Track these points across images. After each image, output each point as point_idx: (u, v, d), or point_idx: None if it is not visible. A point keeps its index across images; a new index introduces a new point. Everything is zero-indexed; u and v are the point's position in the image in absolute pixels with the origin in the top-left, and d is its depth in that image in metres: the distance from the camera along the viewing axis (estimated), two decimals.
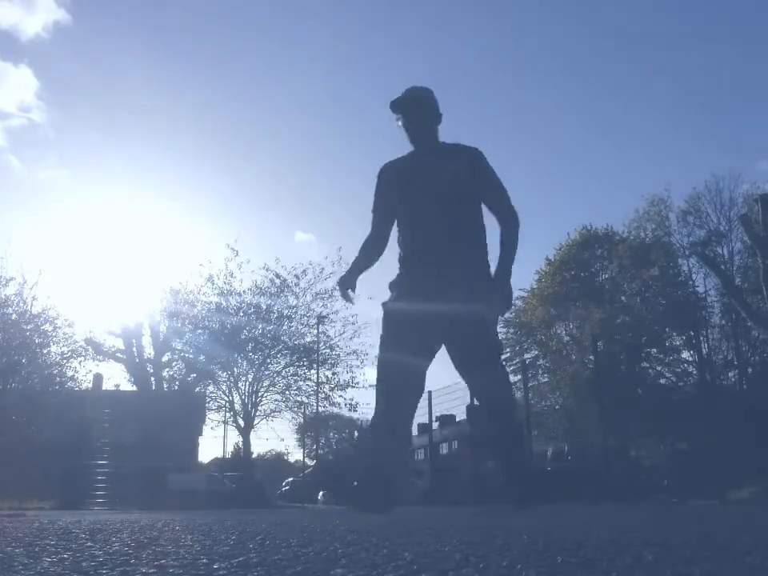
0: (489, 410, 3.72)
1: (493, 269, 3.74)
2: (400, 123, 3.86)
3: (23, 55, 60.20)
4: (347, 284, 3.93)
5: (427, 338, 3.65)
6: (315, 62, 72.90)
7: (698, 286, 26.23)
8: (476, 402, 3.85)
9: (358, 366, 25.89)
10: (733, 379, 25.30)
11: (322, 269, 25.96)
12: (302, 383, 27.72)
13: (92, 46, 61.57)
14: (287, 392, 27.76)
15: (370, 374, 26.97)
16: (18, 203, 59.27)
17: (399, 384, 3.61)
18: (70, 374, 24.65)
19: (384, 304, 3.81)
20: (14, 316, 24.03)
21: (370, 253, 3.97)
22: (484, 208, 3.87)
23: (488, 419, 3.72)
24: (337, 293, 26.91)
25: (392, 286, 3.84)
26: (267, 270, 26.10)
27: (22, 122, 58.51)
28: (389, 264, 3.98)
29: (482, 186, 3.83)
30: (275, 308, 26.39)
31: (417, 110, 3.82)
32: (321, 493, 29.13)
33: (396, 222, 3.93)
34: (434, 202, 3.72)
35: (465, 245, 3.70)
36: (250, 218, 71.25)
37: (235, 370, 26.71)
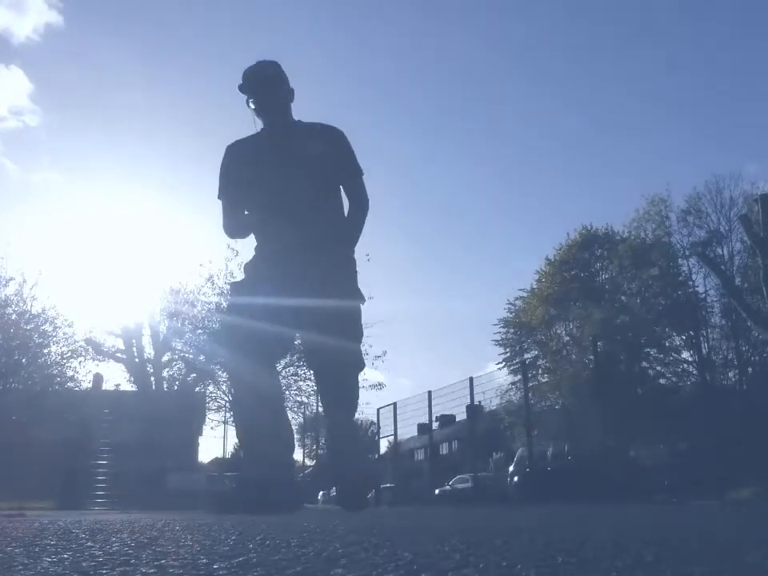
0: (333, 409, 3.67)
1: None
2: (251, 104, 3.62)
3: (15, 58, 60.15)
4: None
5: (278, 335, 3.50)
6: (311, 62, 72.89)
7: (697, 286, 26.20)
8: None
9: None
10: (733, 379, 25.28)
11: None
12: (301, 383, 27.73)
13: (84, 48, 61.58)
14: (287, 392, 27.76)
15: (370, 375, 26.97)
16: (15, 205, 59.20)
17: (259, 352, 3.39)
18: (69, 373, 24.64)
19: (233, 288, 3.76)
20: (13, 316, 24.02)
21: (242, 236, 3.76)
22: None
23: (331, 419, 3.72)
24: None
25: (246, 267, 3.72)
26: None
27: (15, 124, 58.36)
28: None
29: (341, 167, 3.71)
30: None
31: (269, 88, 3.59)
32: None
33: (248, 203, 3.72)
34: (295, 180, 3.57)
35: (326, 226, 3.58)
36: None
37: None
